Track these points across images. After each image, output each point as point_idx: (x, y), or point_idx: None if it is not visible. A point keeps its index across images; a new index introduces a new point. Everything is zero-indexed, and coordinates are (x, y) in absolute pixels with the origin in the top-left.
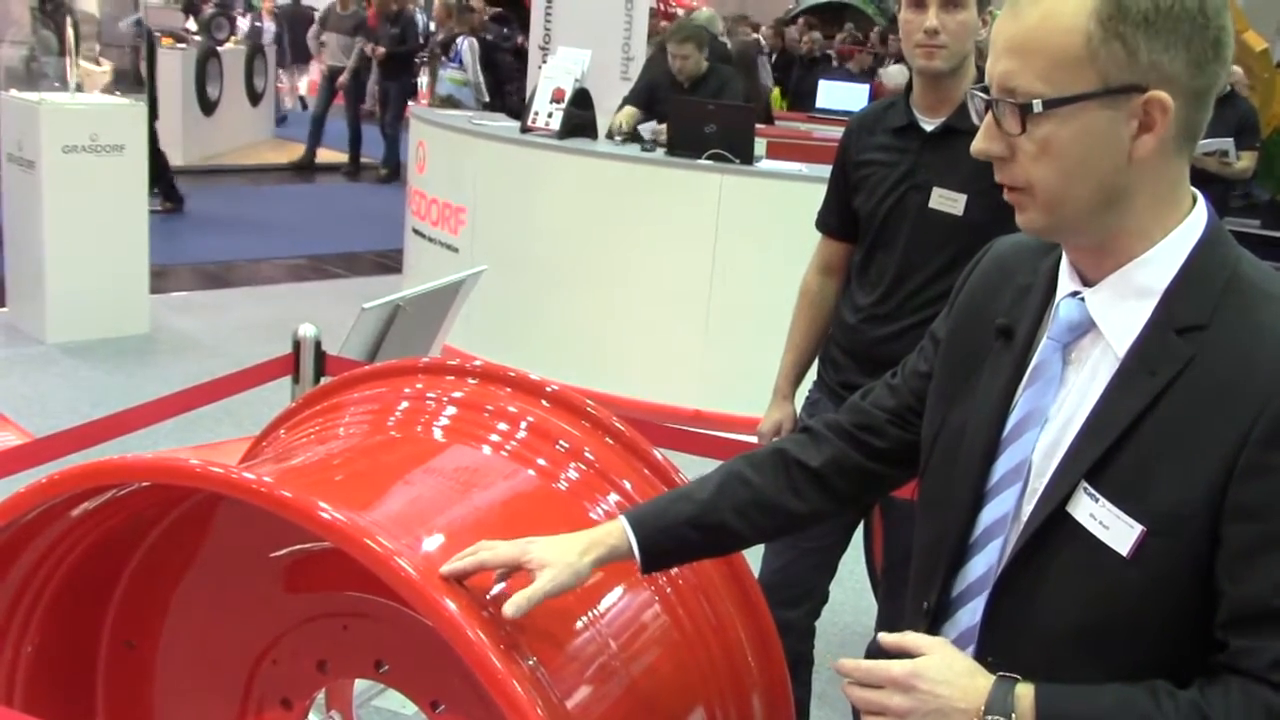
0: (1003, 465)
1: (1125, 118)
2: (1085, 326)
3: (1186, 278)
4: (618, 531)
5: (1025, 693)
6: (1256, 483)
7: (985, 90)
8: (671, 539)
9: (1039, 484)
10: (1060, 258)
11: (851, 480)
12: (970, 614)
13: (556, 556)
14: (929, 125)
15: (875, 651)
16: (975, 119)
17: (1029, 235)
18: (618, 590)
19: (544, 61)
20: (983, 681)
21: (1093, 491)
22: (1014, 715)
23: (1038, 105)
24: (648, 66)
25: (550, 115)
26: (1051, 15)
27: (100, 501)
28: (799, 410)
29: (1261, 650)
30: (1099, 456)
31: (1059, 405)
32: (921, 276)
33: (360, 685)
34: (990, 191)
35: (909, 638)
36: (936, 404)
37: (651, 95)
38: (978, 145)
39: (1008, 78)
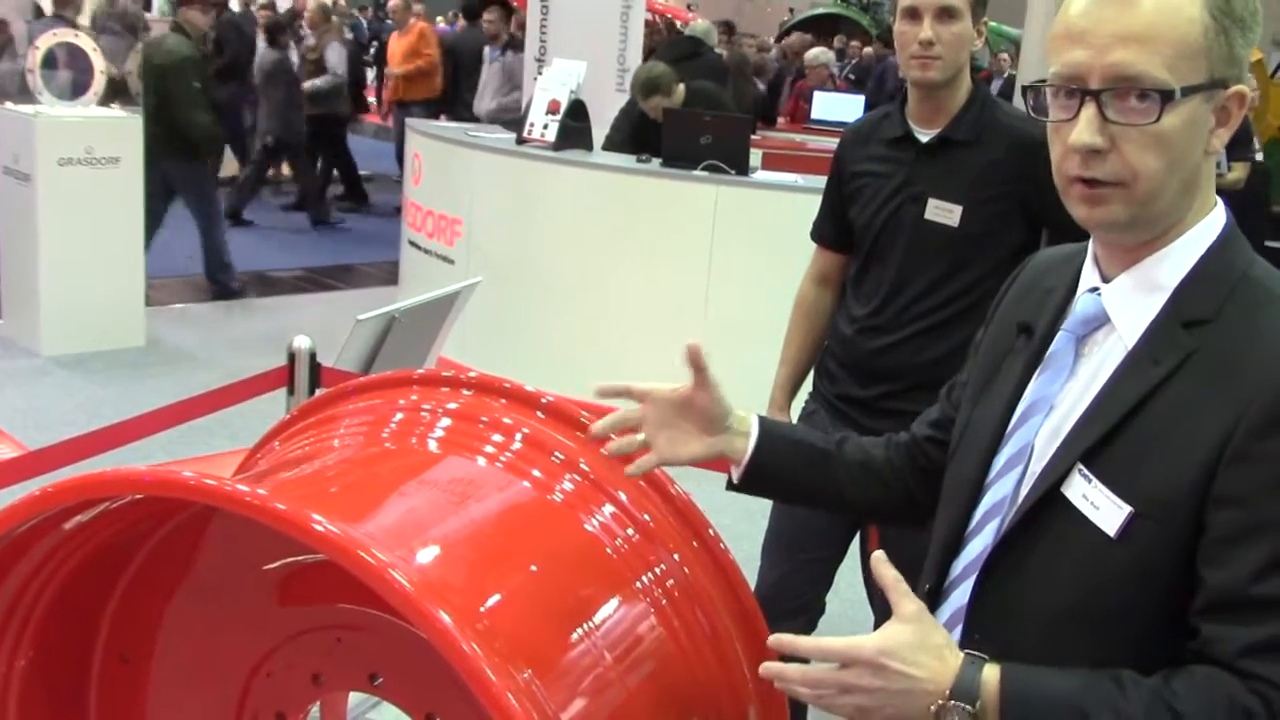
0: (1007, 451)
1: (1210, 111)
2: (1100, 320)
3: (1199, 274)
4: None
5: (991, 675)
6: (1241, 470)
7: (1068, 84)
8: (787, 448)
9: (1038, 467)
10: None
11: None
12: (963, 593)
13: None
14: (924, 136)
15: None
16: (1043, 114)
17: (1101, 229)
18: (613, 602)
19: (539, 73)
20: (953, 661)
21: (1087, 472)
22: (979, 699)
23: (1179, 93)
24: (625, 116)
25: (546, 127)
26: (1169, 5)
27: (94, 514)
28: (794, 421)
29: (1232, 637)
30: (1096, 439)
31: (1065, 393)
32: (917, 288)
33: (355, 698)
34: (986, 202)
35: (899, 588)
36: (965, 404)
37: (639, 139)
38: (1084, 138)
39: (1126, 66)
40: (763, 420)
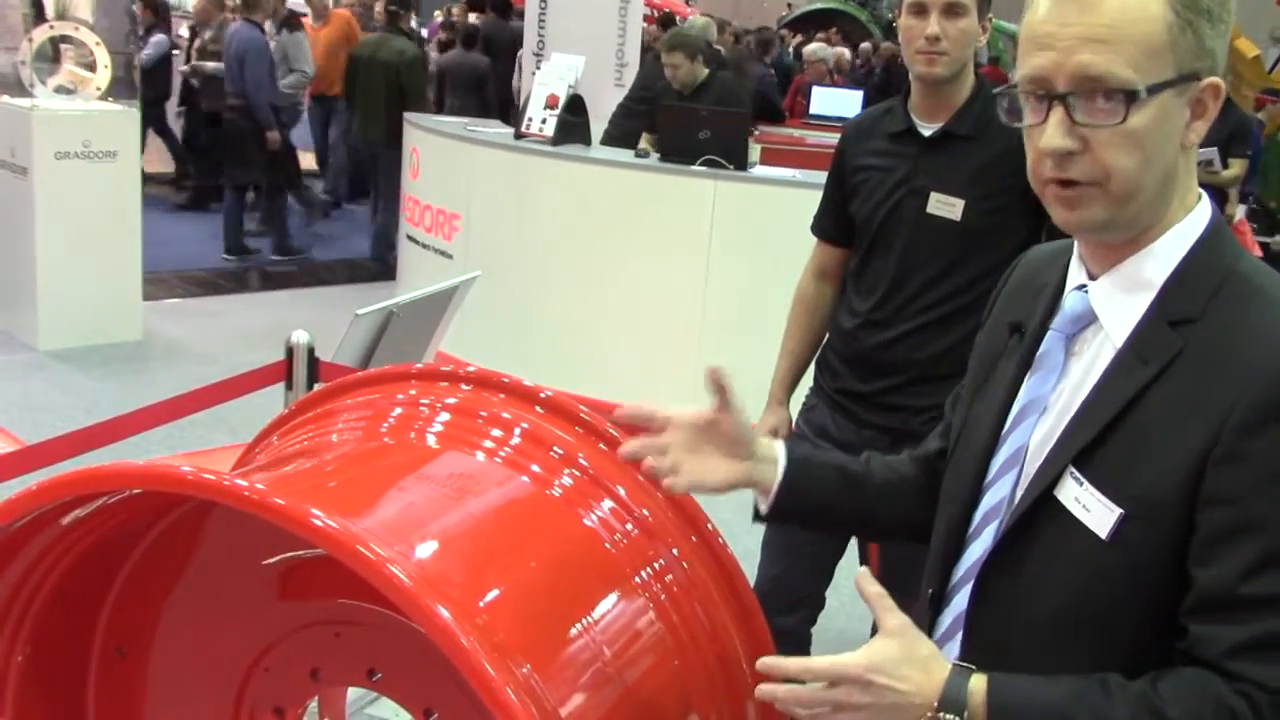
0: (1003, 453)
1: (1183, 105)
2: (1088, 318)
3: (1185, 272)
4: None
5: (978, 685)
6: (1230, 470)
7: (1036, 89)
8: (818, 472)
9: (1032, 469)
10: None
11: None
12: (964, 598)
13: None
14: (927, 130)
15: None
16: (1017, 119)
17: (1080, 230)
18: (612, 597)
19: (538, 68)
20: (939, 674)
21: (1078, 475)
22: (966, 709)
23: (1143, 92)
24: (646, 79)
25: (544, 121)
26: (1132, 4)
27: (91, 509)
28: (795, 416)
29: (1219, 637)
30: (1087, 442)
31: (1058, 394)
32: (919, 282)
33: (353, 693)
34: (988, 197)
35: (882, 603)
36: (961, 404)
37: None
38: (1054, 142)
39: (1089, 68)
40: (789, 445)
